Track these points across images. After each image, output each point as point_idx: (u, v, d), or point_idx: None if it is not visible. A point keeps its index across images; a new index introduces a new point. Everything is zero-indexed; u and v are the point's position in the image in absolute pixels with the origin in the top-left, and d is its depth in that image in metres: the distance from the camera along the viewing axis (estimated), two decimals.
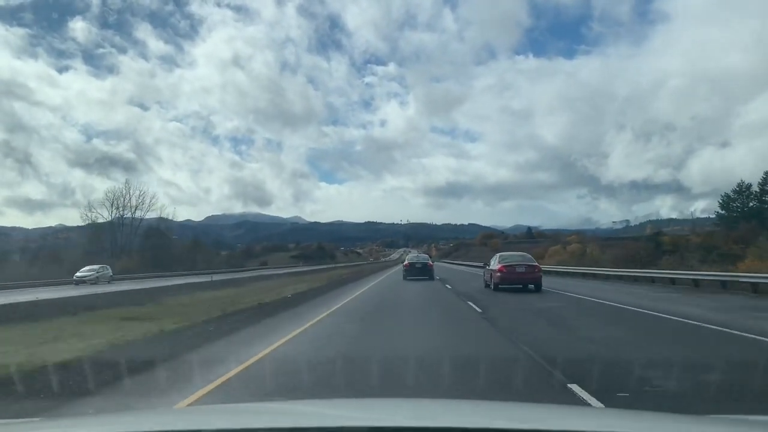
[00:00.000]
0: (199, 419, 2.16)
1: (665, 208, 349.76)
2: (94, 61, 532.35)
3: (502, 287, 20.42)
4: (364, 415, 2.20)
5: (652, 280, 26.89)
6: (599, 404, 4.87)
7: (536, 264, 21.32)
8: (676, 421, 2.18)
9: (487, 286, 22.32)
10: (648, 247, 57.71)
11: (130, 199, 58.18)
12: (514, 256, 22.04)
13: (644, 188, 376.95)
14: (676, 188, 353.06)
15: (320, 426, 1.84)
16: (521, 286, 20.63)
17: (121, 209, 56.67)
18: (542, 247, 77.64)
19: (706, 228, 72.39)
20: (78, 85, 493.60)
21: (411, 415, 2.14)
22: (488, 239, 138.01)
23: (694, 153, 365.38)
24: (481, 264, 30.92)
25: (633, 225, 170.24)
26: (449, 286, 24.58)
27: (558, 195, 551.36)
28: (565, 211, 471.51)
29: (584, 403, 4.90)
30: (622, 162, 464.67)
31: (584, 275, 35.41)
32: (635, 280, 28.48)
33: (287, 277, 37.13)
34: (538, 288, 20.36)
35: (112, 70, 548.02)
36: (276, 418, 2.15)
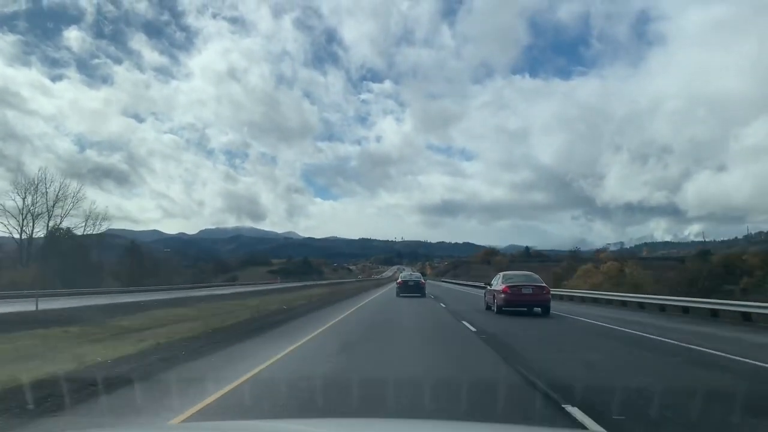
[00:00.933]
0: None
1: (659, 230, 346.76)
2: (89, 71, 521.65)
3: (506, 310, 19.02)
4: None
5: (746, 317, 17.70)
6: None
7: (544, 285, 19.81)
8: None
9: (489, 308, 20.84)
10: (706, 269, 45.60)
11: (45, 193, 45.37)
12: (519, 275, 20.61)
13: (639, 210, 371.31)
14: (672, 211, 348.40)
15: None
16: (525, 309, 19.08)
17: (31, 207, 43.99)
18: (563, 266, 65.24)
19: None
20: (72, 95, 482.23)
21: None
22: (491, 256, 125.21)
23: (690, 176, 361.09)
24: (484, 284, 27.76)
25: (627, 247, 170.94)
26: (478, 331, 12.23)
27: (552, 215, 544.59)
28: (559, 231, 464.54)
29: None
30: (618, 183, 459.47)
31: (636, 304, 25.08)
32: (714, 314, 19.39)
33: (219, 302, 24.75)
34: (546, 311, 18.87)
35: (106, 80, 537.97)
36: None
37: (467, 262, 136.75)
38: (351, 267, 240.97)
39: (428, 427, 2.76)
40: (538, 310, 18.93)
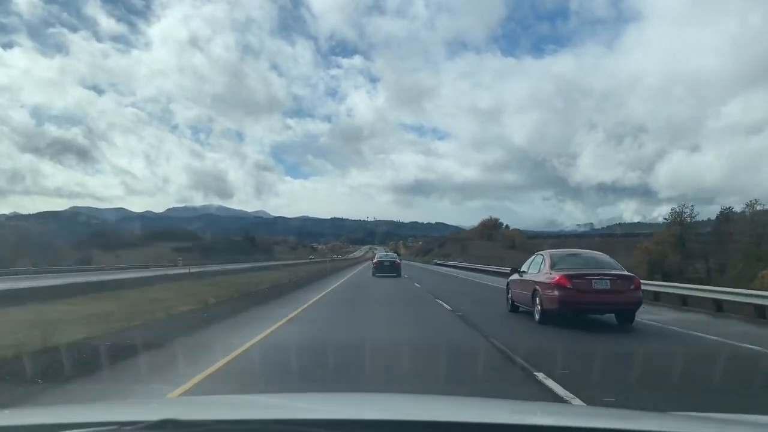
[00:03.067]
0: (196, 410, 2.22)
1: (628, 212, 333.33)
2: (42, 39, 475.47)
3: (563, 314, 10.91)
4: (336, 408, 2.25)
5: None
6: None
7: (630, 274, 11.47)
8: (660, 419, 2.03)
9: (515, 309, 13.37)
10: None
11: None
12: (581, 256, 12.36)
13: (611, 191, 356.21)
14: (642, 192, 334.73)
15: (312, 418, 1.84)
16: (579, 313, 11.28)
17: None
18: (661, 239, 35.50)
19: None
20: (24, 64, 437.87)
21: (381, 408, 2.16)
22: (493, 230, 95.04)
23: (664, 156, 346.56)
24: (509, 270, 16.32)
25: (597, 228, 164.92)
26: None
27: (524, 196, 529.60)
28: (530, 212, 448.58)
29: None
30: (590, 164, 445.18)
31: None
32: None
33: None
34: (628, 319, 11.21)
35: (61, 48, 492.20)
36: (254, 410, 2.21)
37: (461, 239, 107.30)
38: (317, 246, 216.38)
39: (405, 399, 2.62)
40: (610, 316, 11.40)
